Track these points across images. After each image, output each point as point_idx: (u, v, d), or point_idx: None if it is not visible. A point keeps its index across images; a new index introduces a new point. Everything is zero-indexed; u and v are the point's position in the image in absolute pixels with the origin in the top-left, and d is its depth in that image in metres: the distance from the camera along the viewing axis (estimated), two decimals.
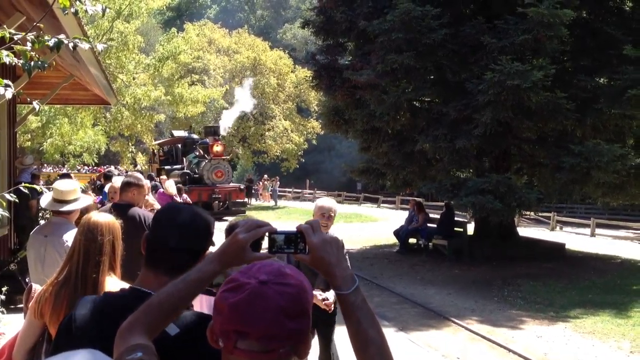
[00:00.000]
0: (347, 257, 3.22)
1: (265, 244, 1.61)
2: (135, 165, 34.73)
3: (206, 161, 24.53)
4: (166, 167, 27.29)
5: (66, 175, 12.45)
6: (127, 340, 1.49)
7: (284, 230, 1.57)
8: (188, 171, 25.35)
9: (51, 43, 2.83)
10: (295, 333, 1.26)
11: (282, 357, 1.26)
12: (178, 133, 31.14)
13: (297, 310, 1.27)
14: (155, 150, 30.15)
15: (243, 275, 1.31)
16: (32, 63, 2.84)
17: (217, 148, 24.30)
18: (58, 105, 20.70)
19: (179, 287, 1.57)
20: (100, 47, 4.10)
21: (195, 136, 29.84)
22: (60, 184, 4.78)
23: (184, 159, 27.00)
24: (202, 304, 3.39)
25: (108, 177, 16.95)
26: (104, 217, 3.00)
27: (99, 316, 1.87)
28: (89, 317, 1.90)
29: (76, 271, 2.83)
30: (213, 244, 2.08)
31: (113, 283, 2.83)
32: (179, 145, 28.68)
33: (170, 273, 1.87)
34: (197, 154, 26.15)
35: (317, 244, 1.53)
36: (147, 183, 6.24)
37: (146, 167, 34.11)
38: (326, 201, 5.28)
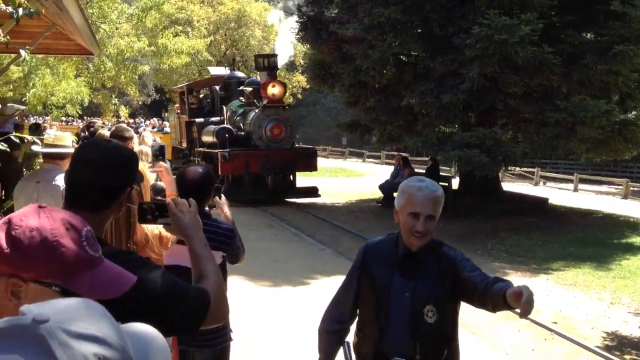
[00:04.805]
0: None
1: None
2: (119, 118, 34.36)
3: (257, 111, 16.75)
4: (198, 119, 19.50)
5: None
6: None
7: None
8: (229, 126, 17.32)
9: None
10: None
11: None
12: (216, 71, 23.09)
13: (13, 234, 1.26)
14: (184, 97, 21.17)
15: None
16: (21, 10, 2.80)
17: (274, 90, 16.33)
18: (40, 56, 20.32)
19: None
20: None
21: (240, 74, 21.36)
22: (51, 132, 4.85)
23: (224, 108, 18.70)
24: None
25: (90, 128, 16.69)
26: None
27: None
28: None
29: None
30: (135, 180, 2.10)
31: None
32: (217, 88, 20.03)
33: (88, 209, 1.88)
34: (243, 100, 18.41)
35: None
36: (134, 136, 6.20)
37: (133, 118, 33.71)
38: (423, 187, 2.79)
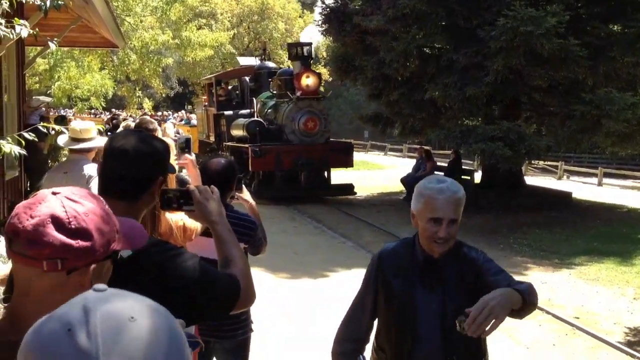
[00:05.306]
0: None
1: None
2: (143, 110, 34.62)
3: (290, 103, 15.76)
4: (226, 112, 18.70)
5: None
6: None
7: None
8: (259, 119, 16.33)
9: None
10: (63, 247, 1.21)
11: (47, 267, 1.21)
12: (245, 61, 22.34)
13: (74, 226, 1.22)
14: (212, 88, 20.10)
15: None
16: (49, 2, 2.84)
17: (308, 80, 15.46)
18: (65, 48, 20.53)
19: None
20: None
21: (271, 64, 20.16)
22: (76, 124, 4.93)
23: (254, 100, 17.57)
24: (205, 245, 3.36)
25: (113, 120, 16.84)
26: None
27: None
28: None
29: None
30: (167, 171, 2.12)
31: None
32: (247, 79, 19.18)
33: (121, 200, 1.88)
34: (274, 91, 17.36)
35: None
36: (158, 128, 6.27)
37: (157, 111, 33.91)
38: (444, 189, 2.47)
